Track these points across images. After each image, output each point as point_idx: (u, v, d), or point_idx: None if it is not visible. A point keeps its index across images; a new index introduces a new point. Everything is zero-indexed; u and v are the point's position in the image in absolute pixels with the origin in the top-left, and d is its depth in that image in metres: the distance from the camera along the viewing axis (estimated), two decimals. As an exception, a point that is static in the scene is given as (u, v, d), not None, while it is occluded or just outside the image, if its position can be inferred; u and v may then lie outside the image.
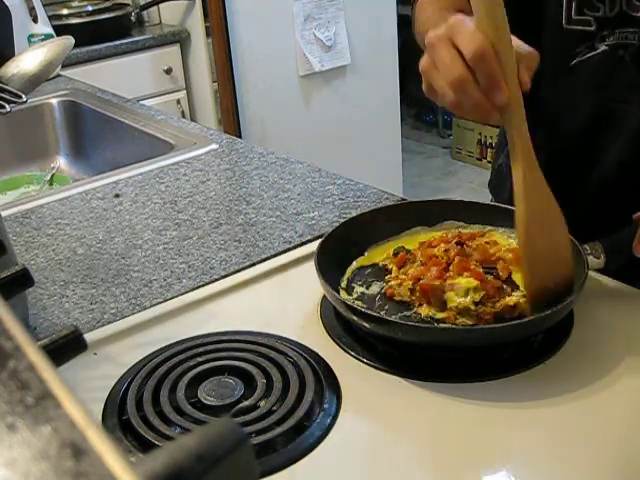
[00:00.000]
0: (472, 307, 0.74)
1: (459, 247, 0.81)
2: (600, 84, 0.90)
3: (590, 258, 0.77)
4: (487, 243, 0.83)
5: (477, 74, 0.64)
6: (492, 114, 0.66)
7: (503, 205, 0.89)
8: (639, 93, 0.88)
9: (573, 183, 0.95)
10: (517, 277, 0.79)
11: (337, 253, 0.85)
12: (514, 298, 0.75)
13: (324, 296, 0.81)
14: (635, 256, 0.75)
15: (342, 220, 0.93)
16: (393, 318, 0.75)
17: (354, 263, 0.87)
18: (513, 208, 0.87)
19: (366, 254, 0.88)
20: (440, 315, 0.75)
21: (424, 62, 0.68)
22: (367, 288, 0.83)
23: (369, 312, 0.74)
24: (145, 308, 0.85)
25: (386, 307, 0.79)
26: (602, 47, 0.87)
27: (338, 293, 0.78)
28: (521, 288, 0.77)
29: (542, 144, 0.96)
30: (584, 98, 0.91)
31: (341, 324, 0.77)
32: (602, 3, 0.86)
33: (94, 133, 1.68)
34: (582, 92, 0.91)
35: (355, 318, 0.73)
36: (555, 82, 0.94)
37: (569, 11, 0.88)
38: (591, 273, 0.79)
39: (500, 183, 1.08)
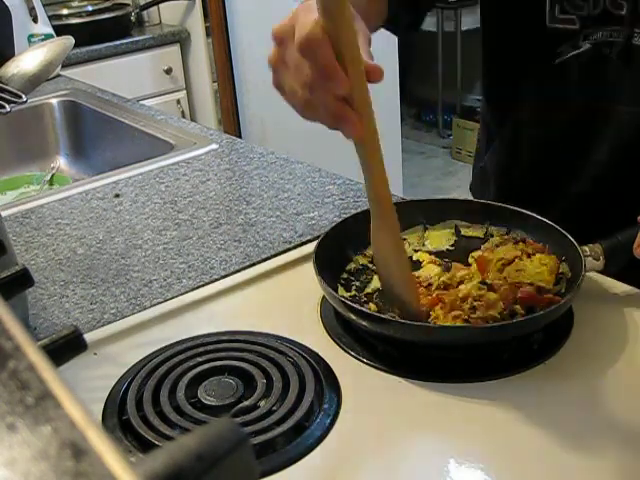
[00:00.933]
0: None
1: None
2: (585, 83, 0.90)
3: (589, 260, 0.77)
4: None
5: (309, 63, 0.57)
6: (345, 118, 0.60)
7: (506, 205, 0.89)
8: (626, 91, 0.88)
9: (564, 181, 0.95)
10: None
11: (336, 251, 0.85)
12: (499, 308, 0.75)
13: (324, 296, 0.81)
14: (635, 258, 0.75)
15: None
16: (389, 316, 0.75)
17: (353, 262, 0.87)
18: (516, 208, 0.88)
19: (366, 252, 0.88)
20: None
21: (271, 56, 0.62)
22: (366, 285, 0.83)
23: (366, 310, 0.74)
24: (145, 308, 0.85)
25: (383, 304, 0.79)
26: (586, 45, 0.88)
27: (336, 291, 0.78)
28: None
29: (529, 142, 0.97)
30: (570, 97, 0.92)
31: (341, 324, 0.77)
32: (585, 2, 0.86)
33: (94, 133, 1.68)
34: (568, 91, 0.92)
35: (353, 316, 0.73)
36: (540, 81, 0.94)
37: (552, 10, 0.88)
38: (591, 273, 0.79)
39: (483, 185, 1.08)
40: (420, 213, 0.90)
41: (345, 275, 0.85)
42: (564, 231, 0.80)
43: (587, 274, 0.75)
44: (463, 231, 0.90)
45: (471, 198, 0.94)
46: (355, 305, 0.74)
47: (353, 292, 0.82)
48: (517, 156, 1.01)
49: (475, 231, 0.89)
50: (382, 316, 0.75)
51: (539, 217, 0.85)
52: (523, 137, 0.99)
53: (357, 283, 0.84)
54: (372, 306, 0.79)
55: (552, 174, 0.97)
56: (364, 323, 0.73)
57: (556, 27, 0.88)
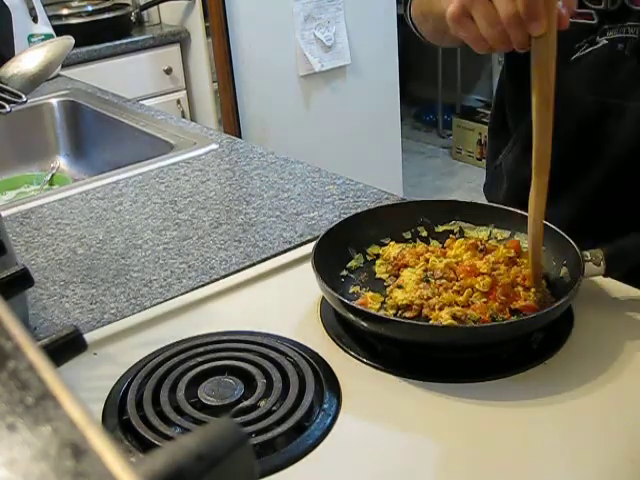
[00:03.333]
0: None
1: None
2: (599, 79, 0.89)
3: (590, 265, 0.76)
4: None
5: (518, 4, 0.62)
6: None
7: (510, 208, 0.89)
8: (638, 88, 0.88)
9: (576, 180, 0.95)
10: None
11: (336, 250, 0.85)
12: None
13: (324, 296, 0.81)
14: (636, 263, 0.75)
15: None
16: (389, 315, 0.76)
17: (354, 260, 0.87)
18: (519, 211, 0.87)
19: (367, 250, 0.88)
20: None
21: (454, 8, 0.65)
22: (367, 283, 0.83)
23: (365, 310, 0.74)
24: (145, 308, 0.85)
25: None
26: (603, 41, 0.87)
27: (335, 291, 0.78)
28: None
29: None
30: (584, 93, 0.91)
31: (341, 324, 0.77)
32: None
33: (94, 133, 1.68)
34: (581, 87, 0.91)
35: (352, 316, 0.73)
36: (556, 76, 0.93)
37: None
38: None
39: (495, 184, 1.08)
40: (424, 214, 0.90)
41: (345, 272, 0.85)
42: (566, 235, 0.80)
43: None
44: (467, 233, 0.89)
45: (474, 200, 0.93)
46: (354, 304, 0.74)
47: (354, 289, 0.83)
48: (530, 155, 1.00)
49: (479, 233, 0.89)
50: (382, 316, 0.75)
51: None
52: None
53: (356, 282, 0.84)
54: (368, 295, 0.80)
55: (565, 173, 0.96)
56: (363, 323, 0.73)
57: (575, 21, 0.86)
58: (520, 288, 0.77)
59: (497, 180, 1.08)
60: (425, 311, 0.76)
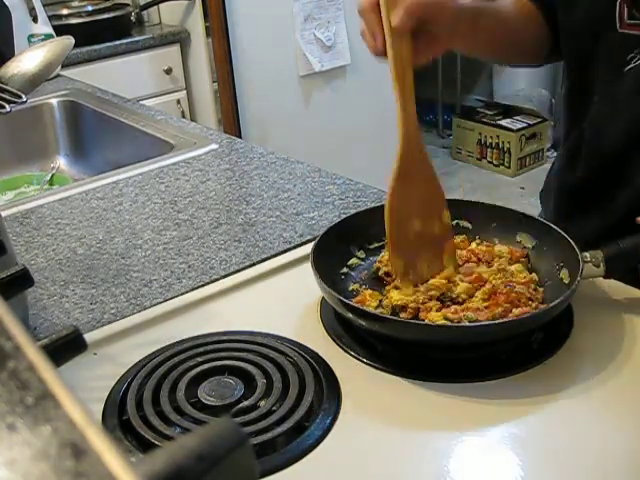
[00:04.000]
0: None
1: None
2: (638, 92, 0.87)
3: (589, 266, 0.76)
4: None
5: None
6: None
7: (511, 208, 0.88)
8: None
9: (611, 187, 0.94)
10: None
11: (337, 249, 0.85)
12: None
13: (324, 296, 0.81)
14: (635, 265, 0.75)
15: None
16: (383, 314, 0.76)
17: (355, 257, 0.87)
18: (520, 211, 0.87)
19: (369, 247, 0.88)
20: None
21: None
22: (367, 280, 0.83)
23: (364, 309, 0.74)
24: (145, 308, 0.85)
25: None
26: None
27: (334, 288, 0.78)
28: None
29: (589, 145, 0.96)
30: (626, 107, 0.89)
31: (341, 324, 0.77)
32: None
33: (94, 133, 1.68)
34: (626, 101, 0.89)
35: (351, 315, 0.73)
36: (608, 85, 0.91)
37: (622, 14, 0.86)
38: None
39: (548, 192, 1.07)
40: None
41: (345, 270, 0.85)
42: (567, 235, 0.80)
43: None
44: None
45: (475, 199, 0.93)
46: (352, 303, 0.74)
47: (353, 286, 0.83)
48: (574, 166, 0.99)
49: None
50: (381, 315, 0.75)
51: (543, 220, 0.85)
52: (585, 137, 0.97)
53: (357, 278, 0.84)
54: (367, 292, 0.80)
55: (598, 189, 0.95)
56: (362, 322, 0.73)
57: (626, 33, 0.86)
58: (524, 295, 0.77)
59: (549, 188, 1.07)
60: (422, 314, 0.76)
